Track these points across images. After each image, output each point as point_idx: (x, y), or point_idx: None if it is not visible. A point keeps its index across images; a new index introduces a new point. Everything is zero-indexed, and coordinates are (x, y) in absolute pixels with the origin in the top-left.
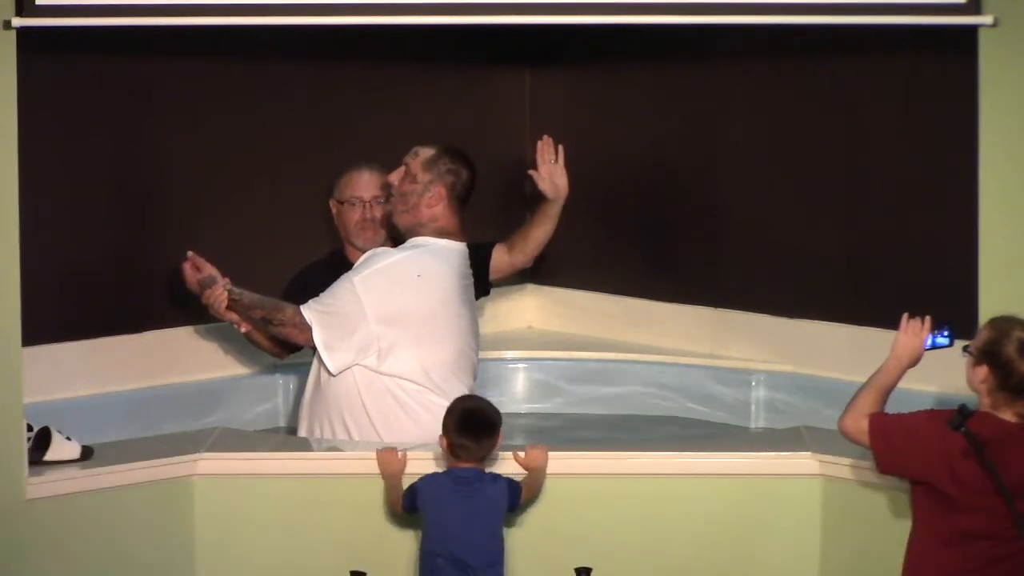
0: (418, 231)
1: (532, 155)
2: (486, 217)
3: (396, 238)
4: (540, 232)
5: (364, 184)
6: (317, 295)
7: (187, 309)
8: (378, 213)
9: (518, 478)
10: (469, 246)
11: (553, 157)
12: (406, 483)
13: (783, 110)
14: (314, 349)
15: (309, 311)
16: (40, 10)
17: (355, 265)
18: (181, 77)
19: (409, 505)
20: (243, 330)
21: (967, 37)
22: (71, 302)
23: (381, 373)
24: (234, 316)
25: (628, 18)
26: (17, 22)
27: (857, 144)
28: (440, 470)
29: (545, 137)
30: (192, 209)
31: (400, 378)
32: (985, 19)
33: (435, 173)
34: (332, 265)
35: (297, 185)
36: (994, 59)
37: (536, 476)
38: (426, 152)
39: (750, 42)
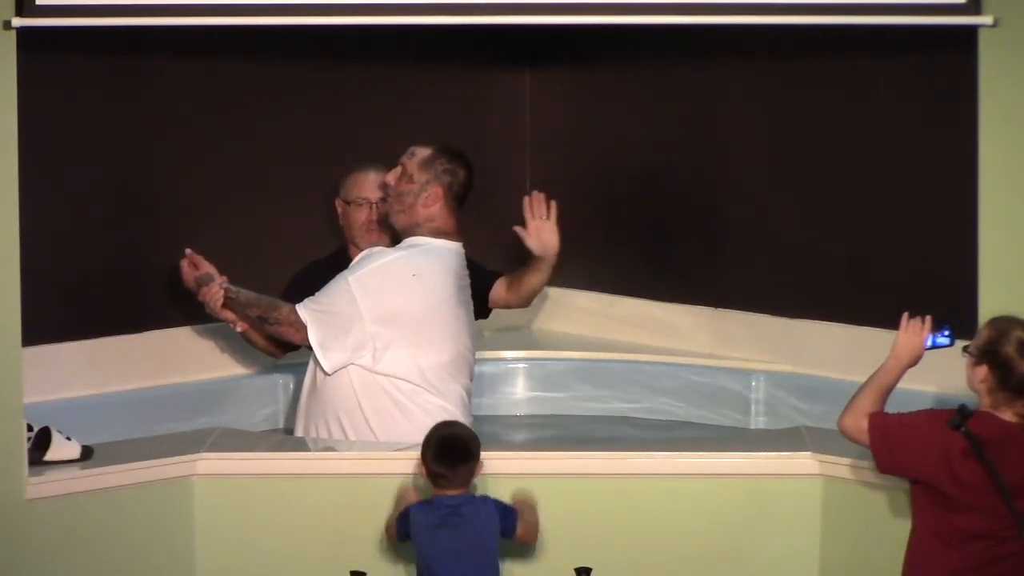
0: (414, 231)
1: (532, 157)
2: (485, 219)
3: (397, 239)
4: (534, 280)
5: (370, 185)
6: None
7: (187, 309)
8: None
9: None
10: (473, 266)
11: (544, 213)
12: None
13: (783, 110)
14: (310, 348)
15: (305, 310)
16: (40, 10)
17: (351, 264)
18: (181, 77)
19: (402, 534)
20: (239, 329)
21: (967, 37)
22: (71, 302)
23: (377, 373)
24: (230, 315)
25: (628, 18)
26: (17, 22)
27: (857, 144)
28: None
29: (535, 192)
30: (192, 209)
31: (396, 378)
32: (985, 19)
33: (432, 173)
34: (334, 265)
35: (297, 185)
36: (994, 59)
37: (531, 510)
38: (423, 152)
39: (750, 42)
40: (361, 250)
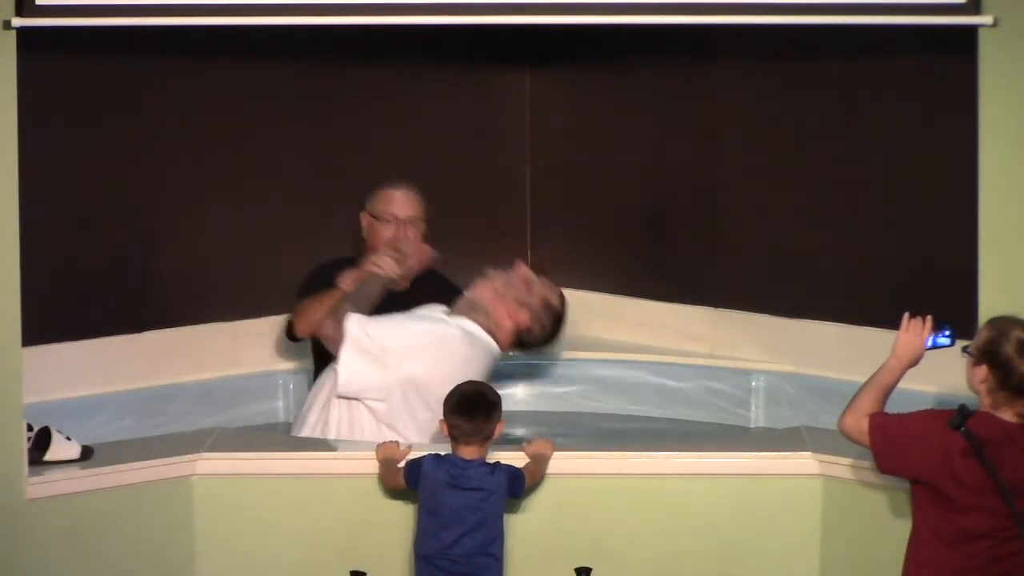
0: (475, 313)
1: (532, 157)
2: (485, 219)
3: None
4: None
5: (400, 203)
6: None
7: (187, 309)
8: (411, 234)
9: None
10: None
11: None
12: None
13: (783, 110)
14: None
15: (354, 329)
16: (40, 10)
17: (418, 310)
18: (181, 77)
19: (414, 482)
20: (344, 286)
21: (967, 37)
22: (71, 302)
23: (384, 423)
24: (362, 277)
25: (628, 18)
26: (17, 22)
27: (857, 144)
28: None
29: None
30: (192, 209)
31: (400, 435)
32: (985, 19)
33: (537, 309)
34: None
35: (297, 184)
36: (994, 59)
37: (539, 462)
38: (554, 296)
39: (750, 42)
40: None
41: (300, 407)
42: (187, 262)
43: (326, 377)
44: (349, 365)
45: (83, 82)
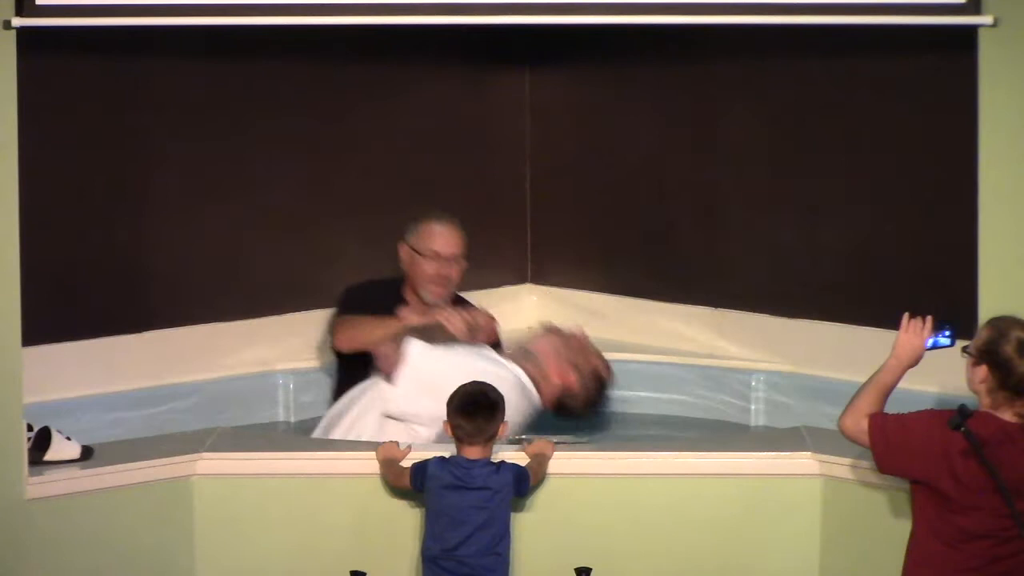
0: (525, 362)
1: (532, 157)
2: (485, 219)
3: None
4: None
5: (443, 239)
6: (368, 314)
7: (187, 309)
8: (453, 273)
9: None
10: None
11: None
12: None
13: (783, 110)
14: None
15: (416, 356)
16: (40, 10)
17: (471, 347)
18: (181, 77)
19: (419, 484)
20: (407, 321)
21: (967, 37)
22: (71, 302)
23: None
24: (428, 322)
25: (628, 18)
26: (17, 22)
27: (857, 144)
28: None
29: None
30: (192, 209)
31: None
32: (985, 19)
33: (584, 374)
34: (389, 296)
35: (296, 184)
36: (994, 59)
37: (540, 462)
38: (605, 366)
39: (750, 42)
40: (422, 299)
41: (301, 408)
42: (186, 262)
43: (363, 389)
44: (407, 389)
45: (83, 82)
